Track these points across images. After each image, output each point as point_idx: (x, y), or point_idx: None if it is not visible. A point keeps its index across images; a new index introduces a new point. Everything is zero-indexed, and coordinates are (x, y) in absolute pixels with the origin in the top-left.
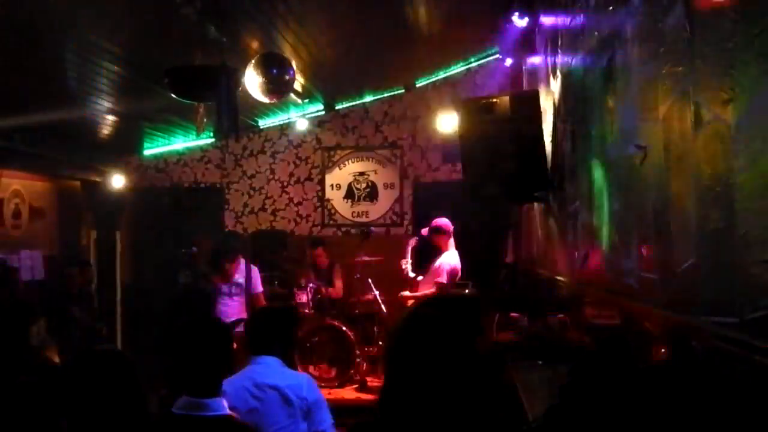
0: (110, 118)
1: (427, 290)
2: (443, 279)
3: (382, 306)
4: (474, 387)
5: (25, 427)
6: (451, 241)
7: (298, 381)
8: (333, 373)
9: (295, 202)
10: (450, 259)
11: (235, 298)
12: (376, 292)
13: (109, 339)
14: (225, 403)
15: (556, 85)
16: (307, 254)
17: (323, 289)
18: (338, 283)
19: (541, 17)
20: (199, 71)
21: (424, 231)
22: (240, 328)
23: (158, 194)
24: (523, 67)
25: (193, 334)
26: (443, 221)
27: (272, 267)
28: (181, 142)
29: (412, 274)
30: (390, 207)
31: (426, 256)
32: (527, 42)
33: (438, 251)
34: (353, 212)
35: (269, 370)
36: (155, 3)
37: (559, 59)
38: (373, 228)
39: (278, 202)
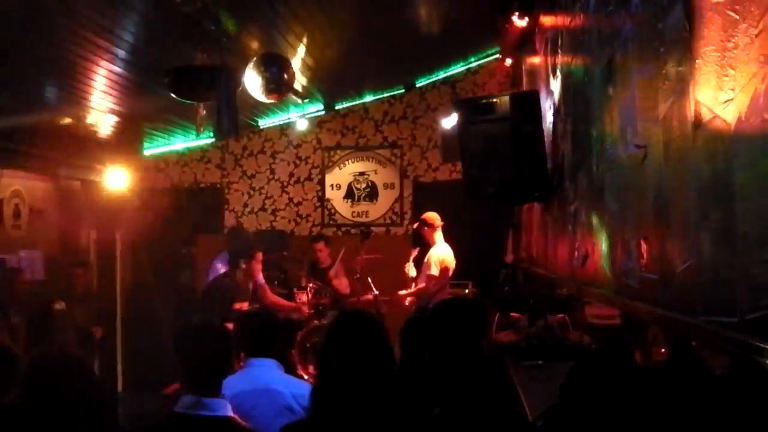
0: (110, 118)
1: (419, 285)
2: (432, 271)
3: (382, 306)
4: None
5: None
6: (439, 235)
7: (303, 390)
8: None
9: (295, 202)
10: (438, 251)
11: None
12: (376, 292)
13: (105, 341)
14: (227, 405)
15: (556, 85)
16: (308, 250)
17: (333, 283)
18: (344, 281)
19: (541, 17)
20: (199, 71)
21: (414, 225)
22: None
23: (158, 194)
24: (523, 67)
25: (194, 333)
26: (430, 214)
27: (272, 267)
28: (181, 142)
29: (413, 274)
30: (390, 207)
31: (422, 258)
32: (527, 42)
33: (427, 247)
34: (353, 212)
35: (270, 373)
36: (155, 3)
37: (559, 59)
38: (373, 228)
39: (278, 202)
